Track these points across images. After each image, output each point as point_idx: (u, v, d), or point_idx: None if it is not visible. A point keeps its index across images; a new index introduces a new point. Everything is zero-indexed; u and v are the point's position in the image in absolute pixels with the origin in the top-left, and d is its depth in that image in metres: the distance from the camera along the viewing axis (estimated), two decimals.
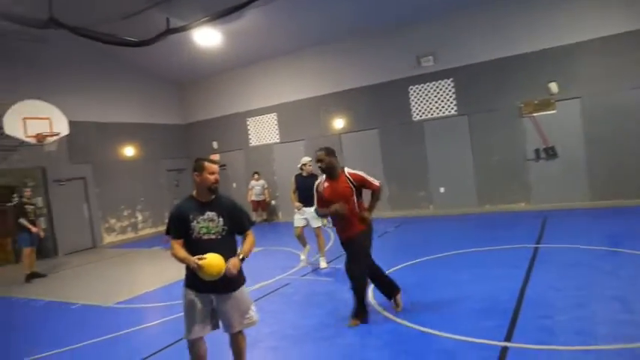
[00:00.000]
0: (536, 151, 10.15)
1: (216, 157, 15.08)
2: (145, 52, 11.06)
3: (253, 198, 13.28)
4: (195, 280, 3.07)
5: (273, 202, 13.92)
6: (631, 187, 9.25)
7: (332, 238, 9.59)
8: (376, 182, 4.54)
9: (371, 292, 5.28)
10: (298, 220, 7.28)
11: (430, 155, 11.39)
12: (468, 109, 10.84)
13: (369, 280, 4.64)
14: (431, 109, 11.30)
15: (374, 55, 11.84)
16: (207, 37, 11.33)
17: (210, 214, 3.10)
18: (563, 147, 9.90)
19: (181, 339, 3.71)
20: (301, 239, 7.42)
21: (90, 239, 12.60)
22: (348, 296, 4.71)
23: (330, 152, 4.51)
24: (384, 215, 11.81)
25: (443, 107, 11.16)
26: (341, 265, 7.08)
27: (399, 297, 4.74)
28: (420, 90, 11.38)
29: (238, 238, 3.34)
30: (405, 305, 4.74)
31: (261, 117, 14.06)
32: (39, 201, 11.56)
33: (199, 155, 15.50)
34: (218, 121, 14.97)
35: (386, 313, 4.66)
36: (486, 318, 4.25)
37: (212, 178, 3.12)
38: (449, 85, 11.02)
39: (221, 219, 3.12)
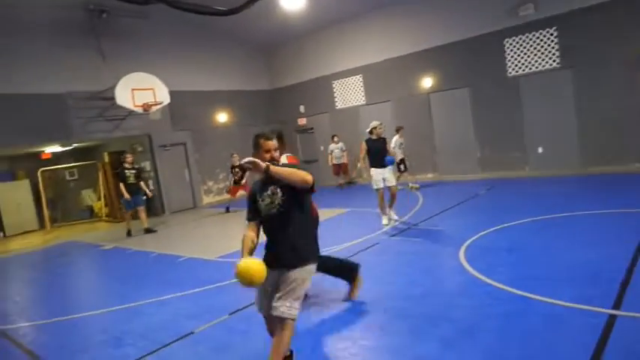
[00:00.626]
0: None
1: (303, 121, 15.41)
2: (234, 20, 11.44)
3: (334, 162, 13.41)
4: (265, 255, 3.05)
5: (358, 164, 13.94)
6: None
7: (420, 202, 9.50)
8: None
9: (463, 255, 5.20)
10: (377, 182, 7.39)
11: (527, 113, 10.58)
12: (573, 60, 9.81)
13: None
14: (530, 62, 10.39)
15: (465, 8, 11.06)
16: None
17: (271, 188, 2.98)
18: None
19: None
20: (382, 202, 7.52)
21: (191, 200, 13.76)
22: (435, 257, 4.60)
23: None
24: (474, 178, 11.36)
25: (543, 60, 10.20)
26: (431, 227, 7.03)
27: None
28: (516, 42, 10.49)
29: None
30: (505, 269, 4.61)
31: (346, 79, 13.99)
32: (147, 165, 12.81)
33: (288, 119, 15.76)
34: (304, 85, 15.17)
35: (483, 277, 4.55)
36: (590, 286, 3.98)
37: (267, 156, 3.00)
38: (551, 35, 10.00)
39: (279, 190, 2.95)
